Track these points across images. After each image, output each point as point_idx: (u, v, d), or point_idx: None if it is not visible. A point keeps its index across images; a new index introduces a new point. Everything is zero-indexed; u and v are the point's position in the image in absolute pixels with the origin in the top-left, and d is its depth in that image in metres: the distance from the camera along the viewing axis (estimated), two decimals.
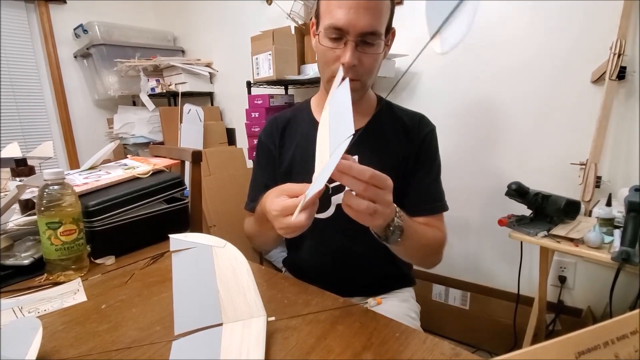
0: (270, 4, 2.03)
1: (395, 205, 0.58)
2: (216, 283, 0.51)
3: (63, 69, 2.51)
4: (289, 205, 0.52)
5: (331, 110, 0.57)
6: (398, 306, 0.84)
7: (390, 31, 0.75)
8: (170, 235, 0.55)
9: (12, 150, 1.09)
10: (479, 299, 1.61)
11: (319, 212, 0.81)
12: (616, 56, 1.15)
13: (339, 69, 0.70)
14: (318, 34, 0.73)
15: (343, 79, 0.73)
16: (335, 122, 0.53)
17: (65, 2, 2.46)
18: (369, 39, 0.69)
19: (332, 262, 0.84)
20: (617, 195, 1.12)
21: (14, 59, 2.33)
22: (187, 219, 0.96)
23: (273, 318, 0.50)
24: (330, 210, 0.80)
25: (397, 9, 1.76)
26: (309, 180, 0.54)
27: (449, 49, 0.44)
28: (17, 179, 0.98)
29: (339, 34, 0.68)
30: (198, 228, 1.10)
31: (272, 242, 0.82)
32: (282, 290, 0.63)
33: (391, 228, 0.57)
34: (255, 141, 0.90)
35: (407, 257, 0.73)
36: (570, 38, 1.28)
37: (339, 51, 0.70)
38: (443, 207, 0.82)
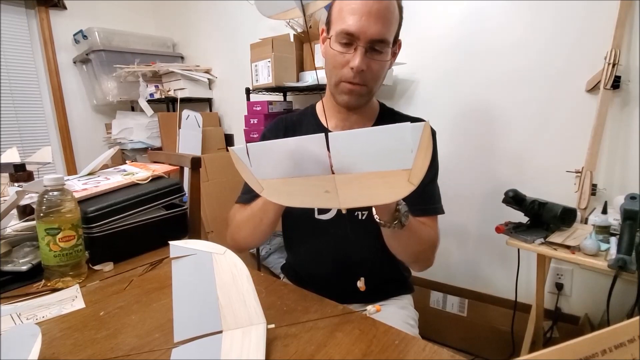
0: None
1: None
2: (216, 290, 0.51)
3: (62, 74, 2.51)
4: None
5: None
6: (397, 313, 0.85)
7: (397, 42, 0.77)
8: (170, 242, 0.55)
9: (11, 156, 1.09)
10: (476, 306, 1.61)
11: (320, 212, 0.82)
12: (611, 66, 1.16)
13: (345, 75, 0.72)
14: (329, 39, 0.74)
15: (349, 82, 0.73)
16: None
17: (66, 8, 2.47)
18: (378, 46, 0.70)
19: (331, 268, 0.84)
20: (613, 203, 1.13)
21: (13, 64, 2.33)
22: (185, 225, 0.96)
23: (273, 325, 0.50)
24: (332, 212, 0.81)
25: None
26: None
27: None
28: (16, 184, 0.97)
29: (349, 39, 0.70)
30: (196, 234, 1.10)
31: (260, 235, 0.77)
32: (282, 297, 0.63)
33: (398, 212, 0.60)
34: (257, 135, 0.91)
35: (400, 250, 0.72)
36: (566, 47, 1.30)
37: (349, 56, 0.71)
38: (437, 210, 0.82)
